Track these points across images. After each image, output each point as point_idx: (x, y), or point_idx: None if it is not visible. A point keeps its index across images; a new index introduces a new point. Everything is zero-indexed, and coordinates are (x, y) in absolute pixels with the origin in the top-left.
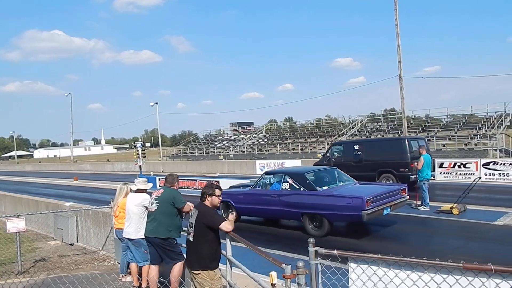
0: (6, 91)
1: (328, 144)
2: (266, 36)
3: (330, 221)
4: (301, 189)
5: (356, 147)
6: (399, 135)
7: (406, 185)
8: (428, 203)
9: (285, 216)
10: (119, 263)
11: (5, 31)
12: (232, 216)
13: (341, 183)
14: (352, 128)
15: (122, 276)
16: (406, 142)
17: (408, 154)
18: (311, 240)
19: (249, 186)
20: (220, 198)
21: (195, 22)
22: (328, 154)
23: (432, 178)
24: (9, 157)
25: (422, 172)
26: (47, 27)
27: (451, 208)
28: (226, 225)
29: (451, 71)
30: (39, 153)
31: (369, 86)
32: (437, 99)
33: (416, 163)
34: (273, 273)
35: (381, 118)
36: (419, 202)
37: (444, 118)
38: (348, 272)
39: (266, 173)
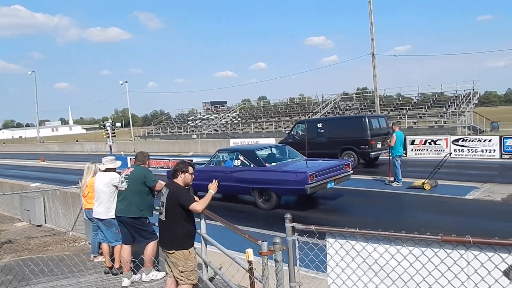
0: None
1: None
2: (239, 14)
3: (277, 194)
4: (251, 165)
5: (319, 125)
6: (372, 113)
7: (351, 160)
8: (400, 179)
9: (237, 191)
10: (89, 244)
11: None
12: (196, 198)
13: (290, 160)
14: (326, 106)
15: (94, 257)
16: (367, 120)
17: (368, 132)
18: (288, 215)
19: (204, 164)
20: (193, 176)
21: None
22: (292, 132)
23: (404, 155)
24: None
25: (395, 148)
26: (6, 1)
27: (423, 183)
28: (196, 206)
29: (422, 50)
30: (3, 134)
31: (342, 65)
32: (407, 77)
33: (389, 140)
34: (249, 250)
35: (354, 97)
36: (392, 178)
37: (415, 97)
38: (326, 248)
39: (219, 151)
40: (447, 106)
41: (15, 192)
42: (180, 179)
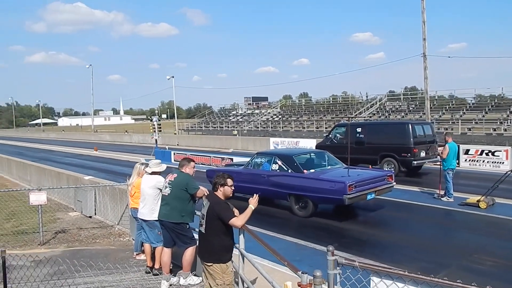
0: (33, 61)
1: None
2: (283, 10)
3: (314, 202)
4: (289, 170)
5: (359, 129)
6: (421, 116)
7: (393, 171)
8: (452, 194)
9: (273, 196)
10: (133, 240)
11: (31, 3)
12: (236, 211)
13: (329, 167)
14: (371, 107)
15: (136, 254)
16: (410, 126)
17: (411, 139)
18: (330, 248)
19: (243, 165)
20: (233, 188)
21: None
22: (330, 136)
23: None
24: (36, 124)
25: (447, 161)
26: None
27: (478, 201)
28: (236, 221)
29: (479, 48)
30: (62, 121)
31: (389, 62)
32: (460, 76)
33: (441, 152)
34: (288, 284)
35: (402, 97)
36: (442, 192)
37: (471, 100)
38: (369, 286)
39: (258, 153)
40: (508, 111)
41: (71, 186)
42: (220, 192)
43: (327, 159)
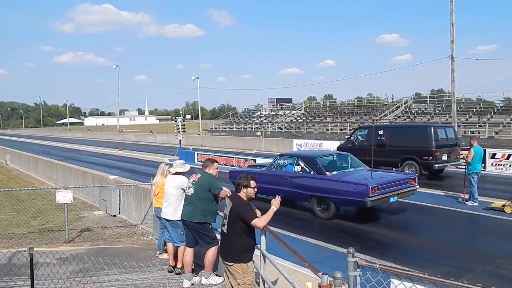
0: (61, 61)
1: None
2: (308, 11)
3: (336, 205)
4: (312, 172)
5: (381, 132)
6: (447, 119)
7: (417, 174)
8: (476, 198)
9: (296, 197)
10: (156, 239)
11: (60, 4)
12: (258, 212)
13: (352, 169)
14: (396, 109)
15: (159, 254)
16: (432, 129)
17: (433, 142)
18: (351, 250)
19: (265, 166)
20: (255, 189)
21: None
22: (352, 138)
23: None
24: (63, 123)
25: (472, 165)
26: (98, 0)
27: (504, 205)
28: (258, 222)
29: (509, 51)
30: (88, 121)
31: (415, 64)
32: (489, 79)
33: (466, 155)
34: (309, 284)
35: (428, 99)
36: (466, 196)
37: (499, 103)
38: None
39: (281, 155)
40: None
41: (96, 186)
42: (243, 193)
43: (350, 161)
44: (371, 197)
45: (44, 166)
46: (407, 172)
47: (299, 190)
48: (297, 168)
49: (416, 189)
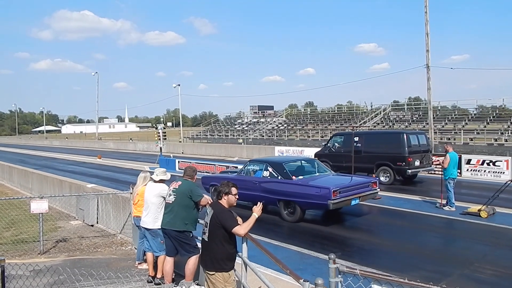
0: (38, 68)
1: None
2: (289, 19)
3: (302, 208)
4: (279, 177)
5: (356, 138)
6: (424, 126)
7: (377, 178)
8: (453, 204)
9: (264, 202)
10: (136, 249)
11: (38, 11)
12: (240, 220)
13: (318, 174)
14: (375, 117)
15: (139, 263)
16: (405, 136)
17: (406, 148)
18: (332, 256)
19: (236, 172)
20: (237, 196)
21: (219, 4)
22: (329, 144)
23: (458, 175)
24: (39, 131)
25: (448, 170)
26: (77, 7)
27: (479, 210)
28: (239, 230)
29: (481, 60)
30: (66, 129)
31: (393, 73)
32: (463, 88)
33: (442, 161)
34: None
35: (405, 107)
36: (444, 202)
37: (473, 110)
38: None
39: (251, 161)
40: (509, 122)
41: (73, 194)
42: (224, 201)
43: (317, 166)
44: (333, 200)
45: (19, 175)
46: (369, 176)
47: (267, 195)
48: (266, 173)
49: (377, 192)
